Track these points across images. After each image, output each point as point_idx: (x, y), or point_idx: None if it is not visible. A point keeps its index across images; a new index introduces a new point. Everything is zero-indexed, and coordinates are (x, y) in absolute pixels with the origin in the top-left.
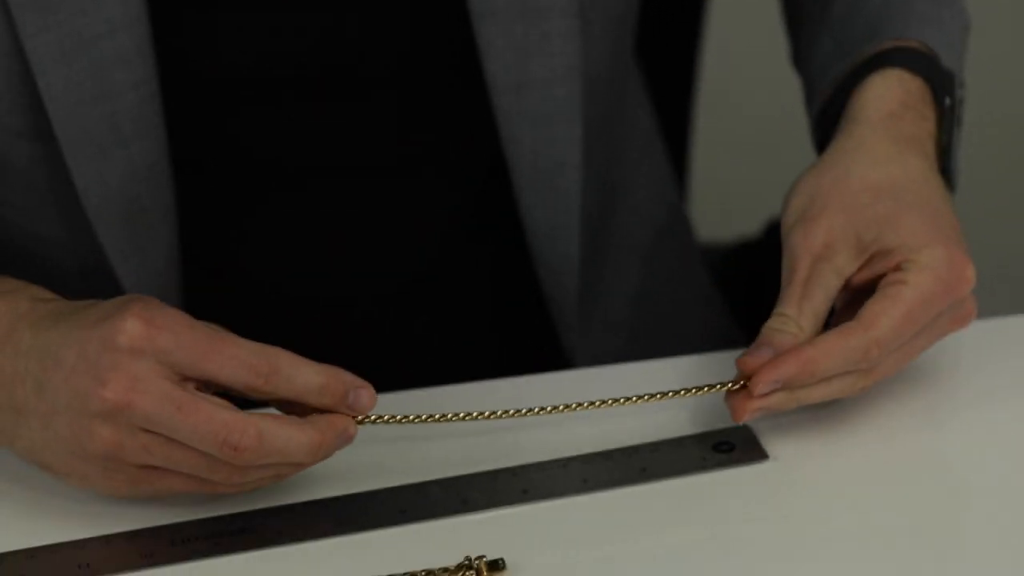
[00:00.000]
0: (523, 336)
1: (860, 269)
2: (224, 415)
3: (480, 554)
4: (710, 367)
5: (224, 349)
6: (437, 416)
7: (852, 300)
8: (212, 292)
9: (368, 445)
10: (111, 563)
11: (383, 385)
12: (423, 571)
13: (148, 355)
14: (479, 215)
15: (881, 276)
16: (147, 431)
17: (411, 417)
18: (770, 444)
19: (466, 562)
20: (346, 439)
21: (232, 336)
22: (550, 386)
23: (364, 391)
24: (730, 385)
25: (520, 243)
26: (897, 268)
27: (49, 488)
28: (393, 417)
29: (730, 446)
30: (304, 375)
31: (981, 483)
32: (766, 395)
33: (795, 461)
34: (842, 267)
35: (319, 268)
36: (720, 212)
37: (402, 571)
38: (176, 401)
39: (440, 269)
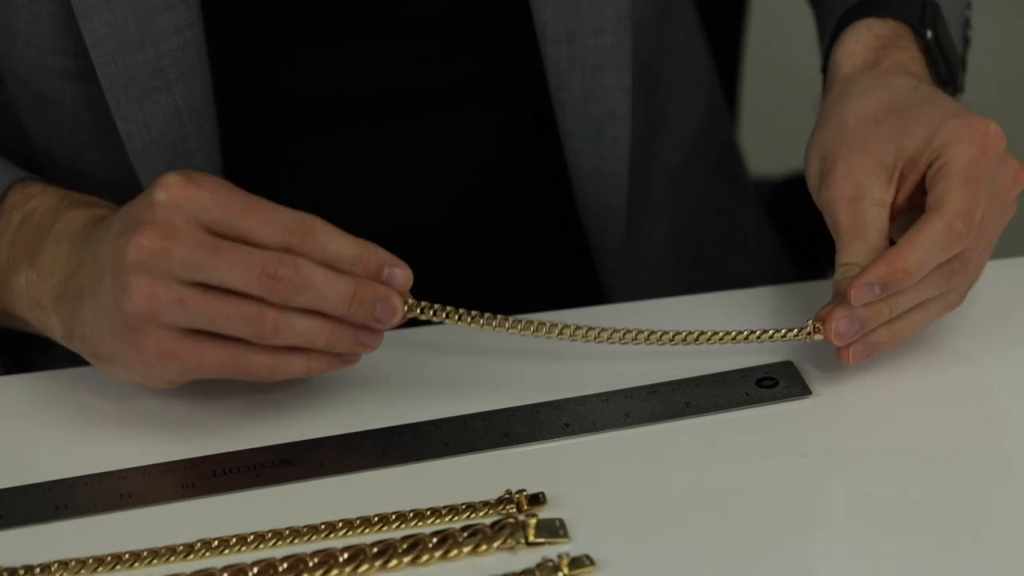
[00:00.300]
0: (563, 276)
1: (898, 190)
2: (260, 251)
3: (521, 487)
4: (760, 302)
5: (260, 210)
6: (485, 318)
7: (909, 224)
8: None
9: (411, 377)
10: (152, 493)
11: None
12: (464, 504)
13: (185, 210)
14: (523, 157)
15: (919, 184)
16: (183, 283)
17: (457, 314)
18: (813, 380)
19: (506, 495)
20: (389, 310)
21: (270, 201)
22: (592, 320)
23: (399, 269)
24: (800, 333)
25: (565, 188)
26: (929, 166)
27: (92, 419)
28: (442, 308)
29: (773, 382)
30: (339, 242)
31: (1015, 414)
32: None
33: (838, 397)
34: (880, 197)
35: (362, 201)
36: (771, 145)
37: (443, 504)
38: (213, 243)
39: (481, 207)
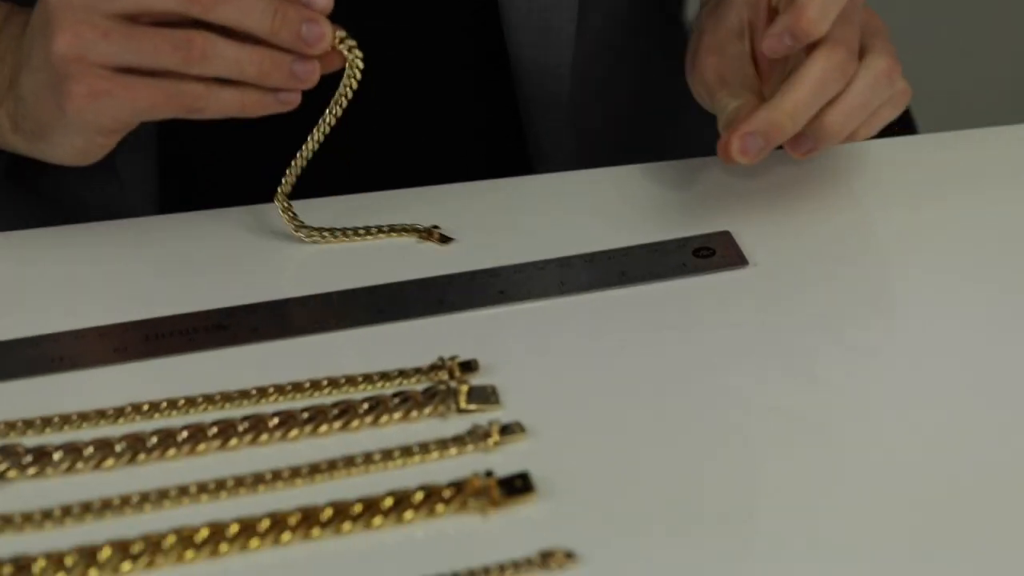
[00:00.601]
0: (501, 156)
1: (754, 39)
2: None
3: (454, 354)
4: (697, 172)
5: None
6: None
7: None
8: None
9: (345, 244)
10: (85, 357)
11: (348, 186)
12: (396, 371)
13: None
14: (464, 50)
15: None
16: (106, 17)
17: (356, 72)
18: (750, 250)
19: (439, 362)
20: (316, 32)
21: None
22: (525, 187)
23: None
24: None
25: (506, 80)
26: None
27: (24, 282)
28: (360, 60)
29: (710, 251)
30: None
31: (948, 282)
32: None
33: (775, 267)
34: (738, 51)
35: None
36: None
37: (376, 370)
38: None
39: (420, 98)
